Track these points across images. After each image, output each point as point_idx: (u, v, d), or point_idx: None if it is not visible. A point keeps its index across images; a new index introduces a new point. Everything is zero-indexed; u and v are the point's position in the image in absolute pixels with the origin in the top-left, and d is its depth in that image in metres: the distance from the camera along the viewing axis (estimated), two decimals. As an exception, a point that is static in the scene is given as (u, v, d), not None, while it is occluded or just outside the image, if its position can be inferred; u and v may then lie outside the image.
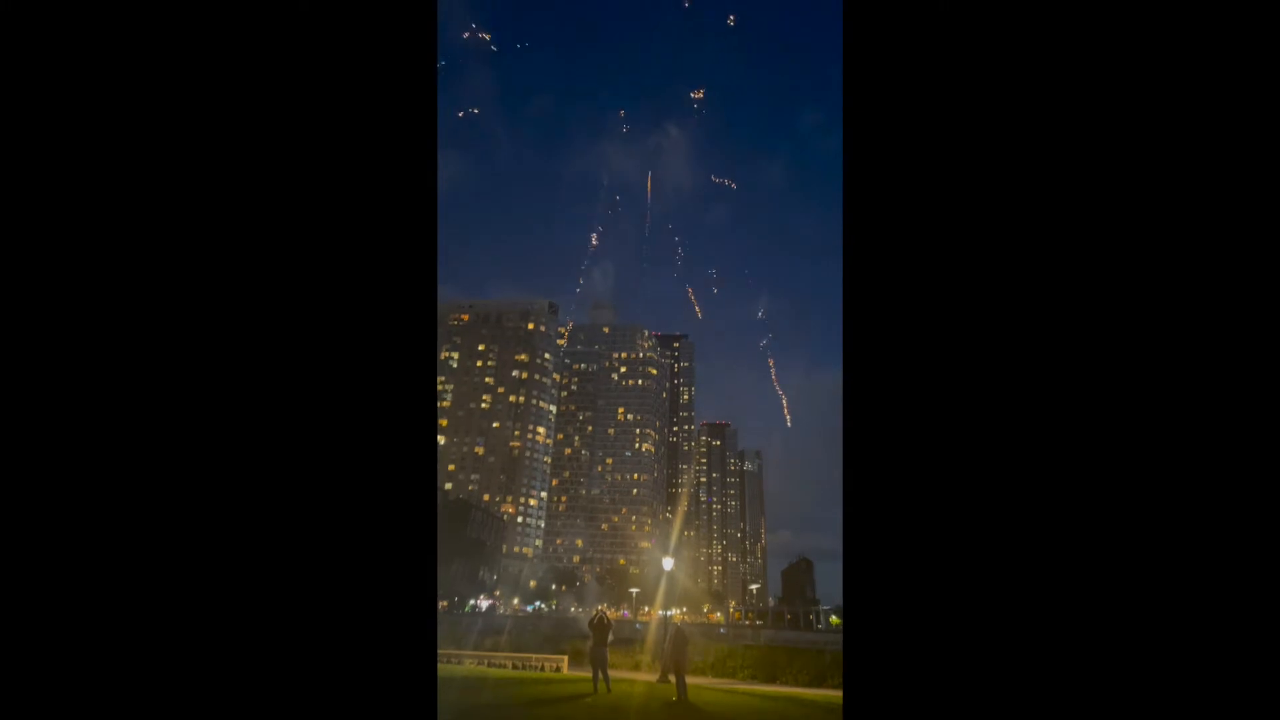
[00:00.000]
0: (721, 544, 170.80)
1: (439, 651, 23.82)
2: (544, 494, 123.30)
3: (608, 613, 13.08)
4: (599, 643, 11.79)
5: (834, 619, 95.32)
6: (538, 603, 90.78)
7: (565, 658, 21.76)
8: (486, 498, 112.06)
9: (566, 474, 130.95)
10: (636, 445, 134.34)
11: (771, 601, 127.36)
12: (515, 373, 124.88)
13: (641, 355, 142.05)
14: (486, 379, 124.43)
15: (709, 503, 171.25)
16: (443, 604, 68.53)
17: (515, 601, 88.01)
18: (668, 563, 41.52)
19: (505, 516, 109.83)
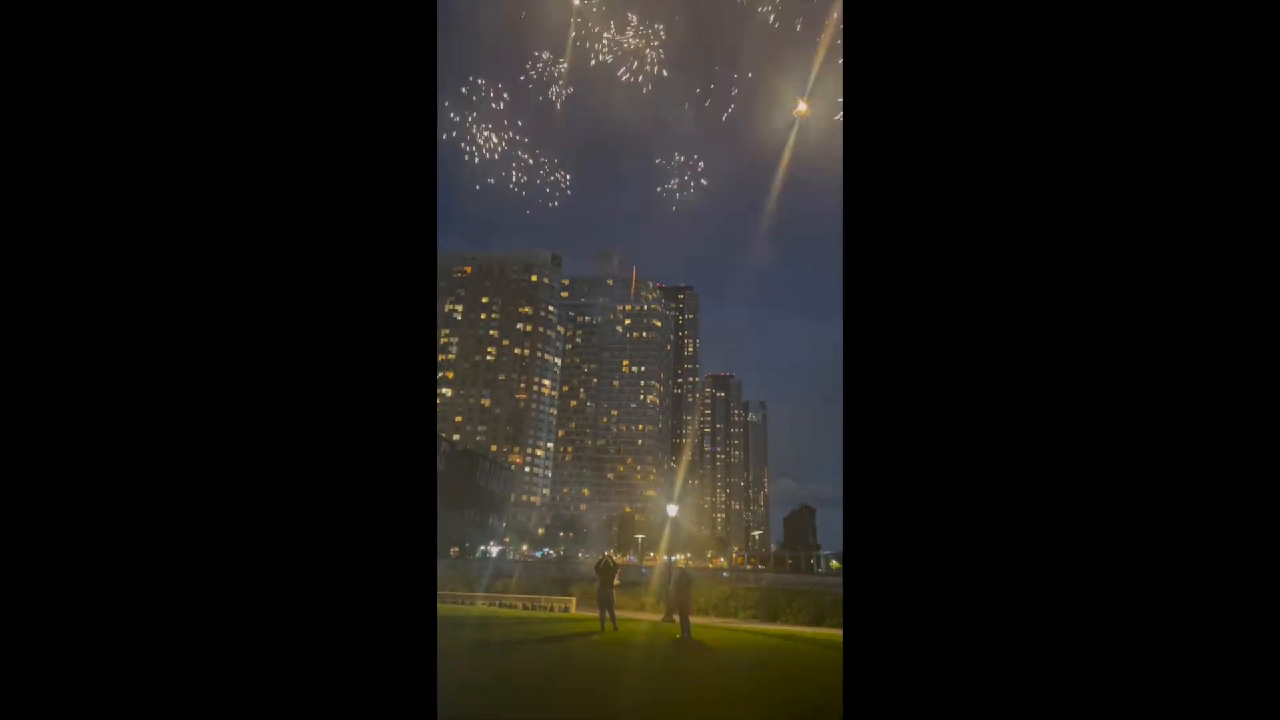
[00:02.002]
0: (725, 492, 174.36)
1: (452, 593, 24.74)
2: (550, 445, 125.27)
3: (614, 557, 13.46)
4: (605, 584, 12.18)
5: (834, 563, 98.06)
6: (545, 549, 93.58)
7: (574, 599, 22.52)
8: (494, 449, 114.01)
9: (572, 425, 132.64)
10: (641, 397, 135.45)
11: (774, 547, 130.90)
12: (519, 325, 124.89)
13: (646, 307, 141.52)
14: (491, 331, 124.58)
15: (713, 453, 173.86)
16: (454, 550, 70.71)
17: (524, 547, 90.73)
18: (672, 509, 42.47)
19: (513, 467, 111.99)
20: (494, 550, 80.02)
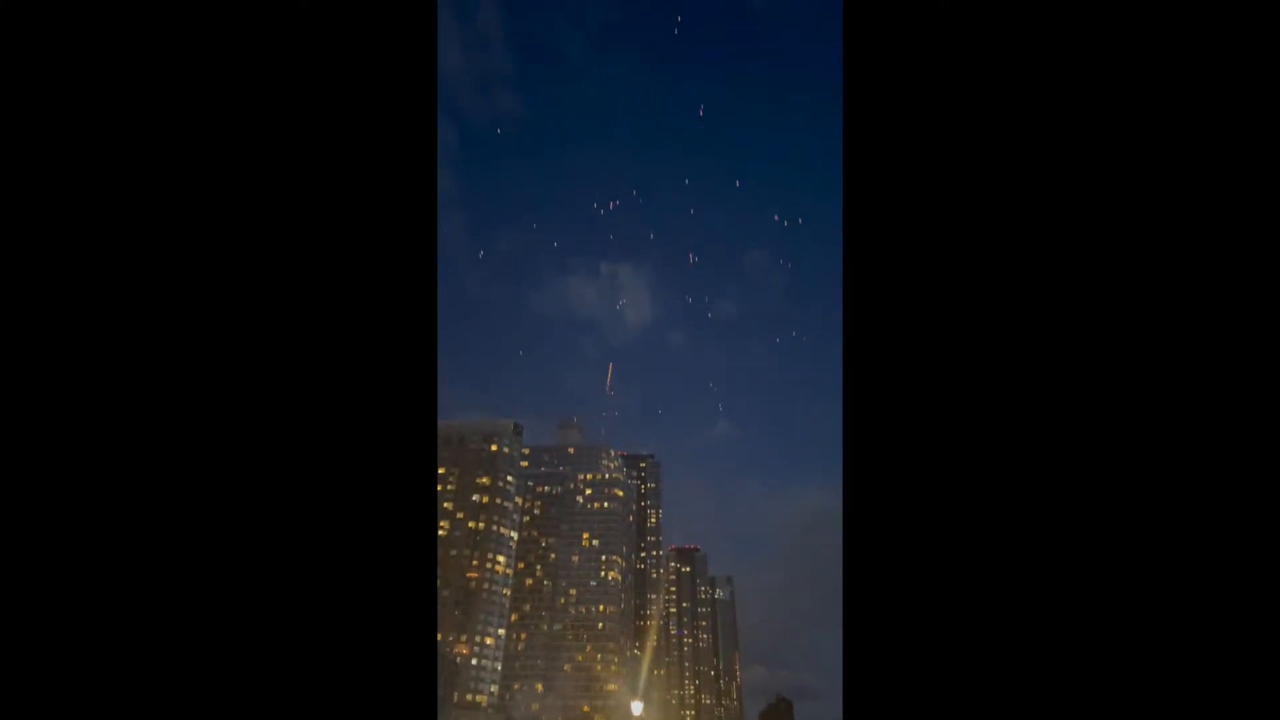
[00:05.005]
0: (694, 683, 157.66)
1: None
2: (501, 631, 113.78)
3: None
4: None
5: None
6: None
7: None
8: (440, 637, 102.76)
9: (527, 607, 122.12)
10: (602, 574, 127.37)
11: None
12: (476, 496, 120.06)
13: (608, 476, 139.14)
14: (445, 504, 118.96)
15: (679, 636, 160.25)
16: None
17: (464, 763, 77.81)
18: (636, 707, 37.94)
19: (458, 659, 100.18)
20: (428, 767, 68.05)
